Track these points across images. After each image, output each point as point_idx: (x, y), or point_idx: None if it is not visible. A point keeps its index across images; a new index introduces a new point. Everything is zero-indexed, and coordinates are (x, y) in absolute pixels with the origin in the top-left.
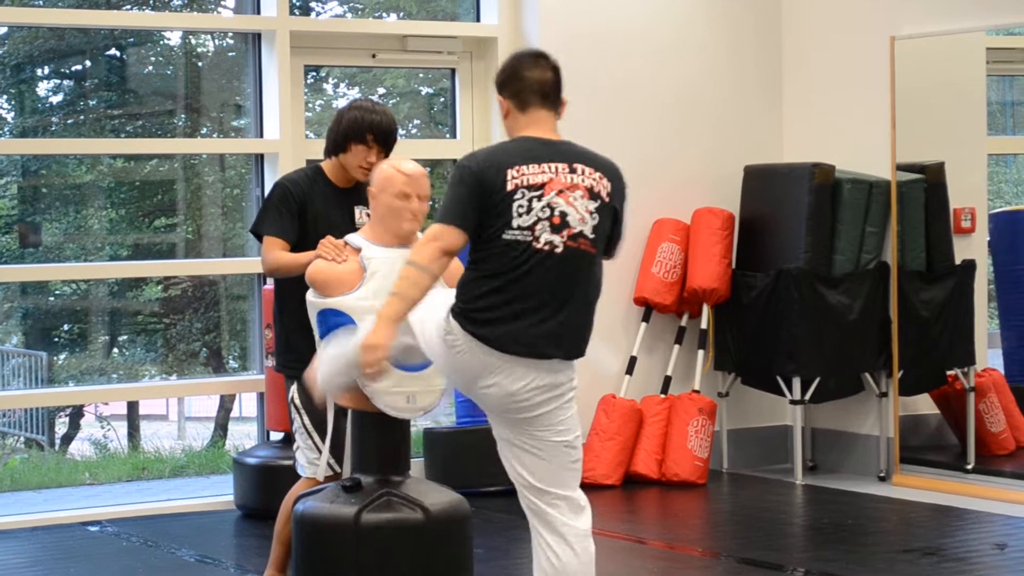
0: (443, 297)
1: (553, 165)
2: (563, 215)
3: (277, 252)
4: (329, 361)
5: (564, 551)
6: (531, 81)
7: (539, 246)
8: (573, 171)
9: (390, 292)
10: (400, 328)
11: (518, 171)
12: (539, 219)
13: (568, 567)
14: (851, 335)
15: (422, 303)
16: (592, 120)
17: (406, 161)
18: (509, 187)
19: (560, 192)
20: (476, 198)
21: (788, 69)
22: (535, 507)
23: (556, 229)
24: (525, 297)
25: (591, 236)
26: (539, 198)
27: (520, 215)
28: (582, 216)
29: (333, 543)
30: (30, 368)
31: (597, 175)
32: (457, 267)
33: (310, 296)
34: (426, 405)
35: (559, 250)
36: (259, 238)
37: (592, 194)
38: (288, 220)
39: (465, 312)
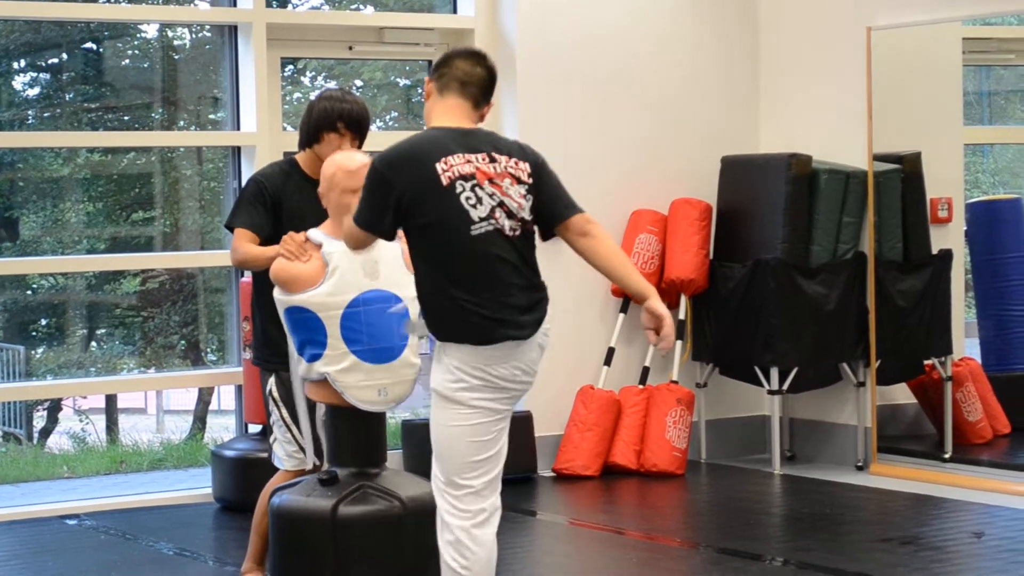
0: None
1: (473, 155)
2: (505, 204)
3: (246, 245)
4: None
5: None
6: (458, 70)
7: (507, 233)
8: (494, 160)
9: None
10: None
11: (446, 163)
12: (493, 207)
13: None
14: (828, 325)
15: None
16: (569, 111)
17: (351, 155)
18: (444, 182)
19: (491, 182)
20: (393, 207)
21: (765, 59)
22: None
23: (509, 216)
24: (498, 290)
25: (530, 217)
26: (479, 187)
27: (473, 206)
28: (519, 203)
29: (310, 536)
30: (7, 362)
31: (513, 161)
32: None
33: (276, 294)
34: (398, 396)
35: (517, 232)
36: (231, 231)
37: (517, 180)
38: (261, 214)
39: (460, 333)
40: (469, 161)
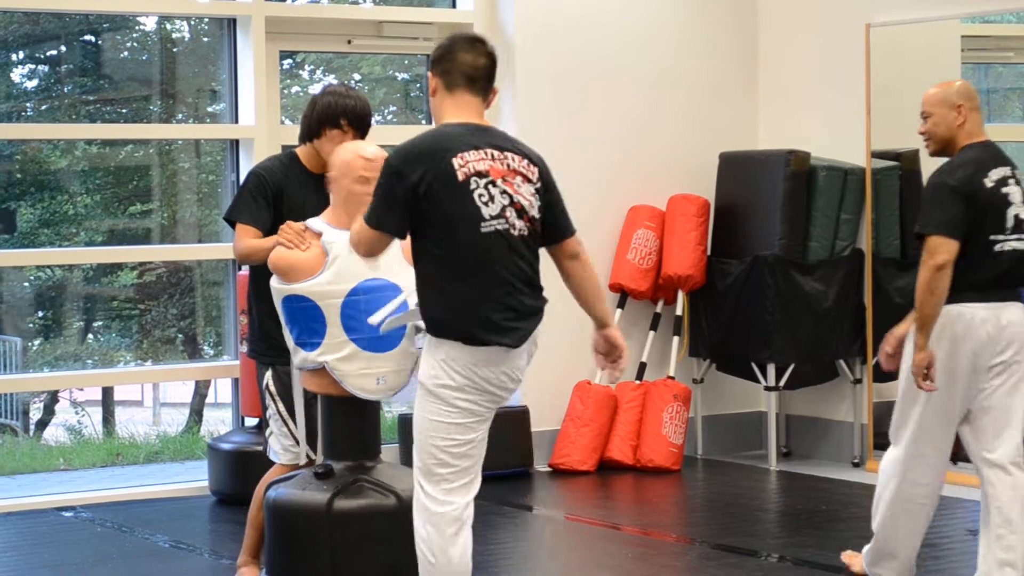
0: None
1: (488, 151)
2: (519, 202)
3: (248, 239)
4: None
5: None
6: (462, 63)
7: (516, 233)
8: (505, 157)
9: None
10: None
11: (462, 159)
12: (504, 205)
13: None
14: (825, 322)
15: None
16: (567, 107)
17: (366, 145)
18: (460, 177)
19: (504, 179)
20: (411, 204)
21: (764, 56)
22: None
23: (519, 214)
24: (503, 287)
25: (538, 216)
26: (493, 184)
27: (485, 204)
28: (530, 201)
29: (306, 529)
30: (4, 354)
31: (525, 161)
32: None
33: (274, 282)
34: (396, 385)
35: (525, 233)
36: (232, 225)
37: (527, 179)
38: (262, 208)
39: (460, 328)
40: (483, 158)
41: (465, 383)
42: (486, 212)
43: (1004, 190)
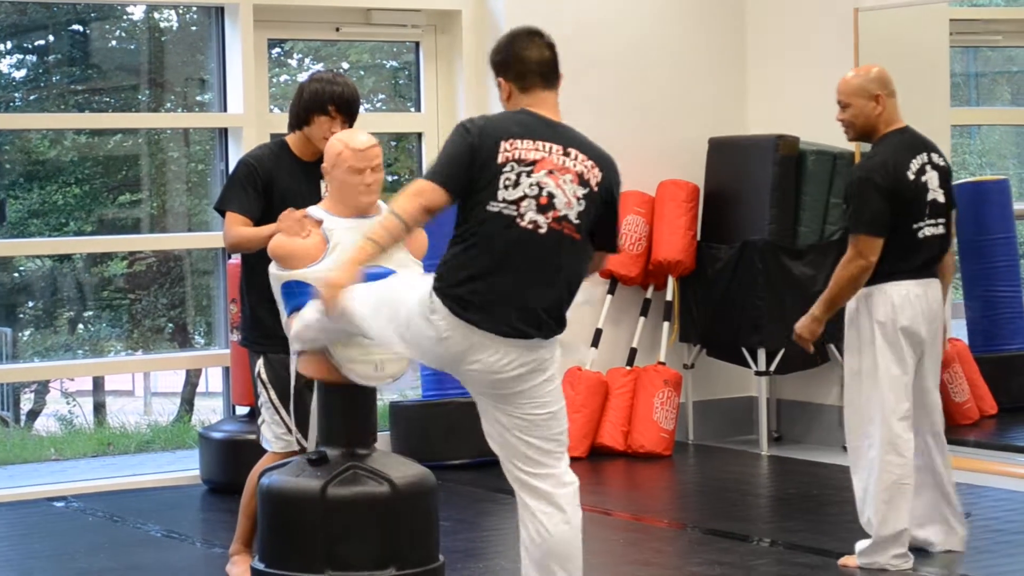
0: (416, 281)
1: (548, 144)
2: (550, 196)
3: (238, 228)
4: (304, 320)
5: (550, 522)
6: (532, 62)
7: (524, 224)
8: (567, 154)
9: (365, 236)
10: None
11: (511, 144)
12: (525, 195)
13: (554, 537)
14: None
15: (394, 290)
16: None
17: (356, 134)
18: (500, 159)
19: (550, 172)
20: (467, 165)
21: (752, 40)
22: (521, 479)
23: (542, 209)
24: (507, 274)
25: (576, 222)
26: (528, 174)
27: (506, 187)
28: (569, 200)
29: (299, 517)
30: None
31: (589, 163)
32: (422, 238)
33: (273, 269)
34: (394, 372)
35: (542, 230)
36: (222, 214)
37: (582, 180)
38: (252, 197)
39: (448, 291)
40: (538, 149)
41: (421, 308)
42: (501, 195)
43: (923, 178)
